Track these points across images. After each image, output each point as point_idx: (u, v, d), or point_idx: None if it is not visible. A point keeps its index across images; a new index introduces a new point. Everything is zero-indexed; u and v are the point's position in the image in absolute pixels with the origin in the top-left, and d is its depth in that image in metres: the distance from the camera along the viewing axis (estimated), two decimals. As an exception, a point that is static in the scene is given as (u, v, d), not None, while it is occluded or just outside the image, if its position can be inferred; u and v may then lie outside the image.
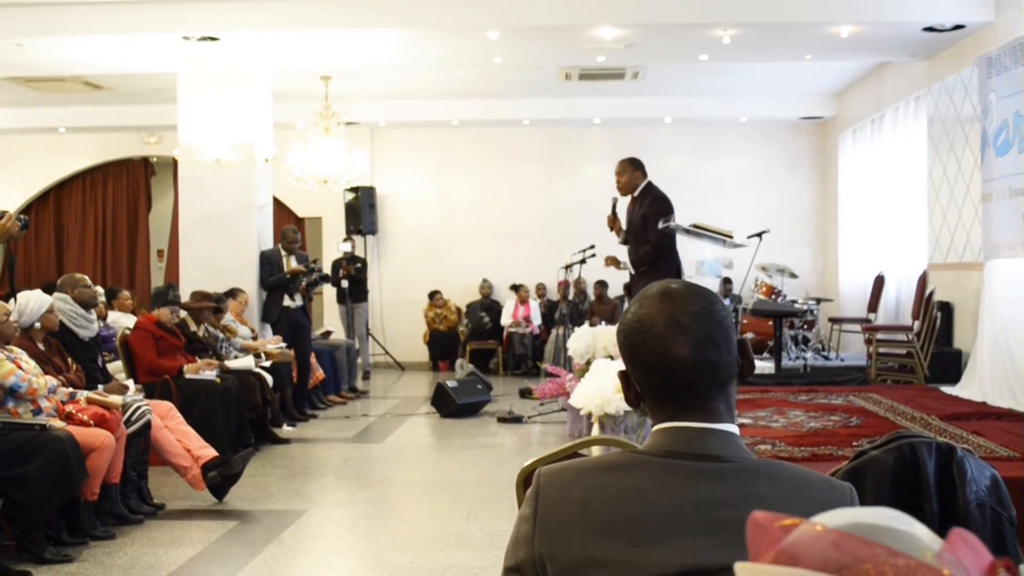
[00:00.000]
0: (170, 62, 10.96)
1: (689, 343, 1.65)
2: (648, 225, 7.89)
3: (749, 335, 12.48)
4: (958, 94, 10.51)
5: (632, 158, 8.30)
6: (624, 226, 8.33)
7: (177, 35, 10.20)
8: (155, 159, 17.01)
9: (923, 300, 10.47)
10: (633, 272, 8.24)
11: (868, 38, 10.54)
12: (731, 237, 7.55)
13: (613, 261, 8.38)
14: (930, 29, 10.11)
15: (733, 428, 1.69)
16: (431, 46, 11.09)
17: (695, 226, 7.58)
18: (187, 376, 8.36)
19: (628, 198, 8.34)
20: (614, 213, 8.29)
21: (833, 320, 13.24)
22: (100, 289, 8.08)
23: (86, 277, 7.71)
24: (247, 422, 8.74)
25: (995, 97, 9.19)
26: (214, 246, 10.91)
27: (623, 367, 1.78)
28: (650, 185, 8.19)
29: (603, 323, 10.74)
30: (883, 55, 11.91)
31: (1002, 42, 9.19)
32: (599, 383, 6.55)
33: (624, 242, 8.38)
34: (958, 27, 10.01)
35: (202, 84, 10.95)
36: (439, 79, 13.58)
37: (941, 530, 3.06)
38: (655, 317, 1.68)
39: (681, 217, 8.36)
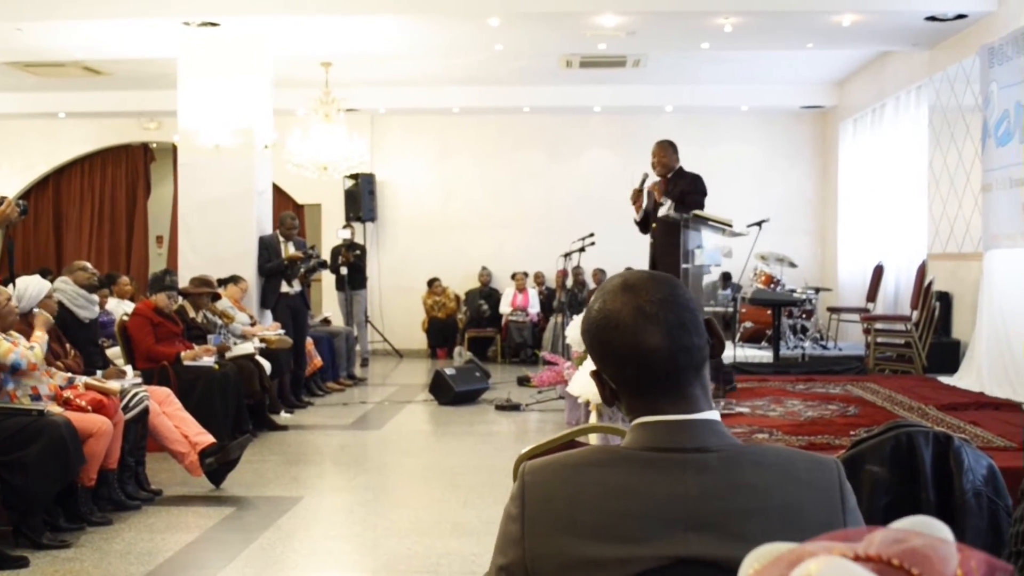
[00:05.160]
0: (170, 47, 10.92)
1: (661, 331, 1.63)
2: (687, 196, 8.06)
3: (748, 324, 12.47)
4: (960, 84, 10.48)
5: (670, 140, 8.56)
6: (644, 204, 8.43)
7: (177, 20, 10.19)
8: (155, 145, 16.99)
9: (922, 290, 10.46)
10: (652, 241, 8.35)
11: (870, 27, 10.52)
12: (730, 226, 7.52)
13: (656, 188, 8.37)
14: (932, 18, 10.10)
15: (713, 415, 1.67)
16: (432, 32, 11.07)
17: (695, 214, 7.56)
18: (185, 362, 8.36)
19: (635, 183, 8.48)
20: (641, 188, 8.43)
21: (832, 309, 13.23)
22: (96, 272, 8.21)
23: (86, 263, 7.77)
24: (245, 409, 8.74)
25: (996, 87, 9.17)
26: (213, 232, 10.88)
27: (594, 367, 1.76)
28: (682, 168, 8.48)
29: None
30: (885, 44, 11.88)
31: (1004, 32, 9.17)
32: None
33: (641, 224, 8.55)
34: (960, 16, 9.99)
35: (202, 69, 10.90)
36: (440, 66, 13.56)
37: (939, 519, 3.04)
38: (621, 311, 1.66)
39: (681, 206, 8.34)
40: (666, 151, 8.39)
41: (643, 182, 8.42)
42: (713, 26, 10.31)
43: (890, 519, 2.99)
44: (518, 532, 1.65)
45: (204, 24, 10.24)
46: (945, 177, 10.80)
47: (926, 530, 1.06)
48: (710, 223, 7.53)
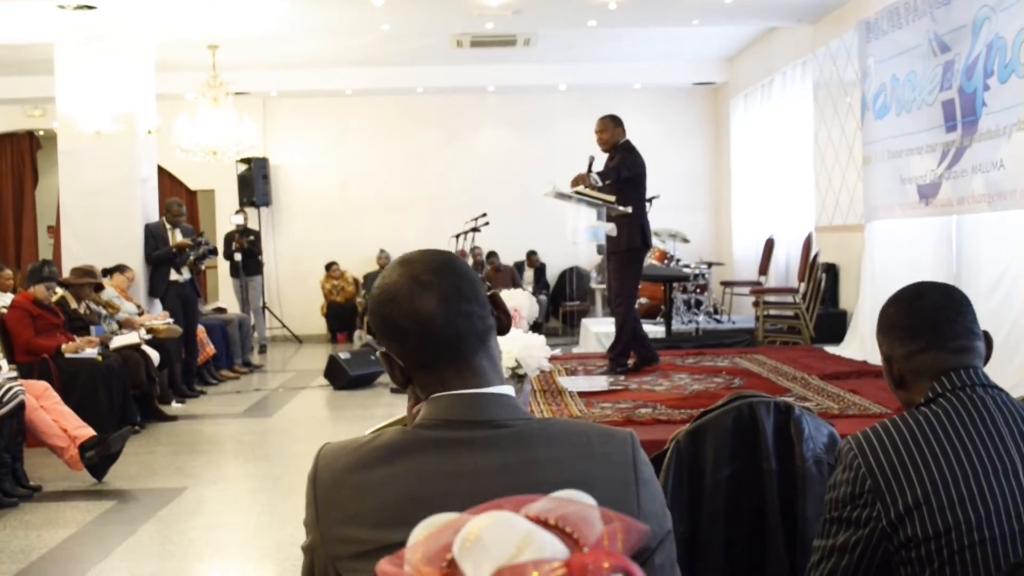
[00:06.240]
0: (46, 31, 10.60)
1: (435, 297, 1.63)
2: (621, 174, 7.73)
3: (642, 299, 12.56)
4: (841, 58, 10.65)
5: (612, 115, 8.11)
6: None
7: (52, 3, 9.90)
8: (41, 132, 16.54)
9: (808, 262, 10.64)
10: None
11: (753, 3, 10.65)
12: (612, 203, 7.53)
13: (582, 179, 7.70)
14: (813, -7, 10.25)
15: (504, 389, 1.66)
16: (318, 13, 10.94)
17: (579, 192, 7.54)
18: (67, 355, 8.17)
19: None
20: (589, 171, 7.91)
21: (725, 283, 13.41)
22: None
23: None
24: (131, 400, 8.58)
25: (873, 61, 9.34)
26: (97, 221, 10.62)
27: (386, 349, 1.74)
28: (627, 141, 8.04)
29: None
30: (769, 20, 12.03)
31: (880, 6, 9.33)
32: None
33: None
34: (840, -9, 10.15)
35: (80, 54, 10.60)
36: (330, 47, 13.41)
37: (780, 487, 3.07)
38: (397, 282, 1.66)
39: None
40: (606, 125, 8.02)
41: (590, 165, 7.94)
42: (598, 3, 10.33)
43: (734, 489, 3.02)
44: (313, 516, 1.64)
45: (80, 7, 9.98)
46: (830, 150, 10.99)
47: (578, 499, 1.19)
48: (594, 200, 7.53)
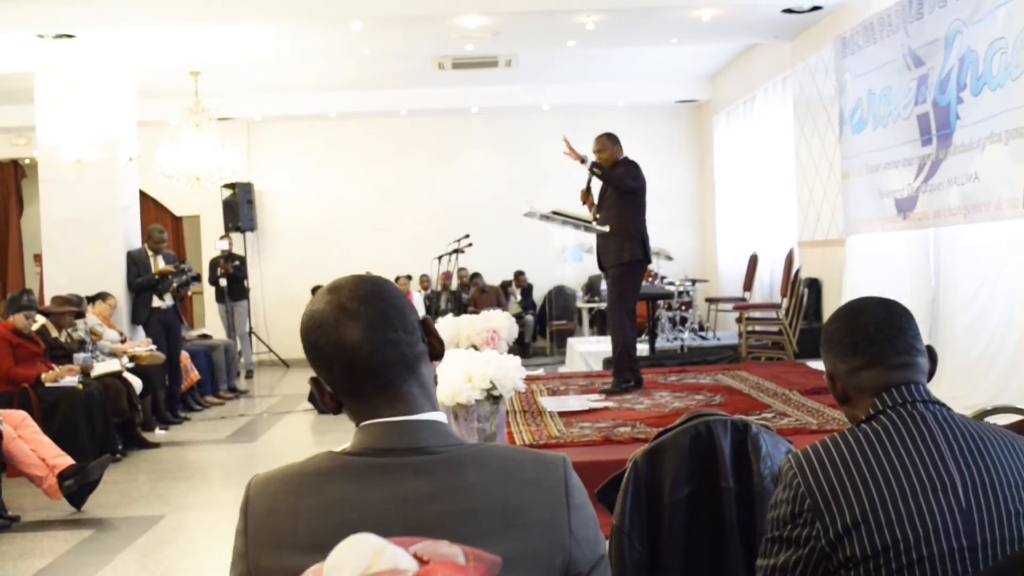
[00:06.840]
0: (25, 61, 10.58)
1: (360, 325, 1.62)
2: (627, 183, 7.62)
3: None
4: (820, 74, 10.70)
5: (610, 133, 8.03)
6: (596, 201, 7.89)
7: (31, 33, 9.92)
8: (27, 161, 16.54)
9: (790, 278, 10.65)
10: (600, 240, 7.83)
11: (730, 21, 10.66)
12: (590, 222, 7.53)
13: (575, 155, 7.75)
14: (789, 11, 10.26)
15: (436, 416, 1.66)
16: (298, 38, 10.97)
17: (555, 212, 7.55)
18: (47, 384, 8.14)
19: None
20: (588, 188, 7.90)
21: (710, 300, 13.41)
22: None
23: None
24: (113, 428, 8.54)
25: (850, 76, 9.38)
26: (78, 249, 10.58)
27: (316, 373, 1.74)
28: (627, 157, 7.93)
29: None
30: (748, 37, 12.08)
31: (856, 22, 9.38)
32: (450, 373, 6.50)
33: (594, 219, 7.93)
34: (816, 8, 10.18)
35: (60, 83, 10.56)
36: (313, 72, 13.44)
37: (738, 506, 3.05)
38: (324, 310, 1.65)
39: (562, 203, 8.24)
40: (604, 144, 7.93)
41: (589, 180, 7.87)
42: (575, 24, 10.36)
43: (692, 509, 3.01)
44: (243, 546, 1.63)
45: (59, 36, 9.99)
46: (811, 166, 11.02)
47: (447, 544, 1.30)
48: (571, 220, 7.53)
